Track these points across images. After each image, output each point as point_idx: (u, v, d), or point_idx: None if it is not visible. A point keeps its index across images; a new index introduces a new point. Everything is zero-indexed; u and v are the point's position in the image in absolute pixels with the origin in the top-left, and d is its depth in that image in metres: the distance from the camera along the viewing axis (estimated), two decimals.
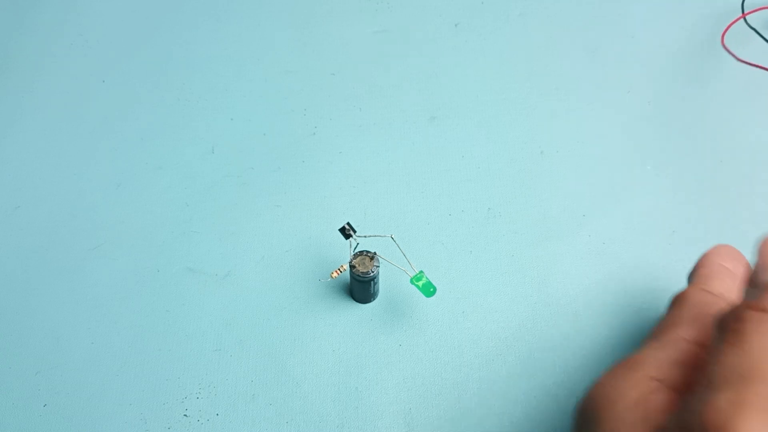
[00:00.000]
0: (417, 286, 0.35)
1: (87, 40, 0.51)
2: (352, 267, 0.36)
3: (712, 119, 0.46)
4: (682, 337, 0.26)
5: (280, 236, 0.41)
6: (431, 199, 0.43)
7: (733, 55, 0.47)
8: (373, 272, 0.36)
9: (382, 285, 0.39)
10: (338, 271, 0.36)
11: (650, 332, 0.28)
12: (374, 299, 0.39)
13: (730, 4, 0.50)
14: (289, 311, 0.38)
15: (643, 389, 0.25)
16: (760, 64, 0.47)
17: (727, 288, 0.29)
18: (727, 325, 0.23)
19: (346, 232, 0.35)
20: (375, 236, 0.37)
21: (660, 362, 0.25)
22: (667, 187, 0.43)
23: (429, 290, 0.35)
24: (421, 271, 0.36)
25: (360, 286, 0.37)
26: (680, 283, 0.39)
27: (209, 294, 0.39)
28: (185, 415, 0.35)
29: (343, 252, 0.39)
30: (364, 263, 0.36)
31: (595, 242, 0.41)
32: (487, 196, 0.43)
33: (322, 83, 0.48)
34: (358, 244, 0.36)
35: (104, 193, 0.43)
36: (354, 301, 0.39)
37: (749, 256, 0.30)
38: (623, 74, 0.48)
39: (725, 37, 0.48)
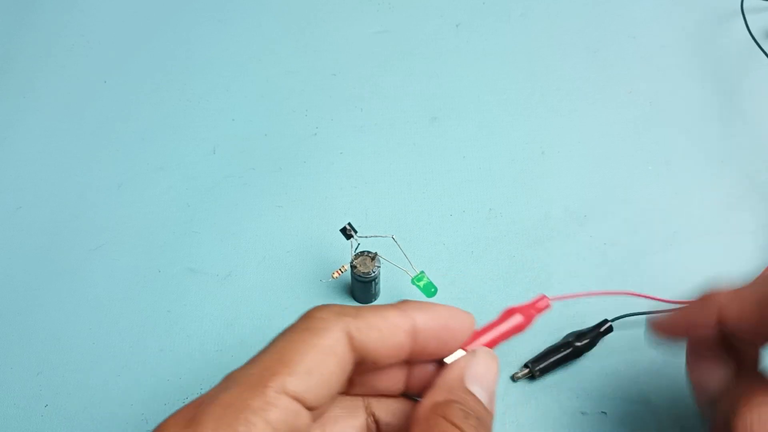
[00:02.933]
0: (418, 287, 0.35)
1: (89, 40, 0.51)
2: (353, 267, 0.36)
3: (712, 119, 0.46)
4: None
5: (281, 236, 0.41)
6: (432, 200, 0.43)
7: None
8: (374, 272, 0.36)
9: (384, 285, 0.39)
10: (339, 272, 0.36)
11: None
12: (375, 299, 0.39)
13: (730, 4, 0.50)
14: (291, 311, 0.38)
15: None
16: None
17: None
18: None
19: (347, 232, 0.35)
20: (376, 236, 0.37)
21: None
22: (668, 187, 0.43)
23: (430, 290, 0.35)
24: (422, 272, 0.36)
25: (361, 287, 0.37)
26: (681, 283, 0.39)
27: (210, 294, 0.39)
28: None
29: (344, 252, 0.39)
30: (365, 263, 0.36)
31: (597, 242, 0.41)
32: (489, 196, 0.43)
33: (324, 84, 0.48)
34: (359, 244, 0.36)
35: (105, 194, 0.43)
36: (355, 302, 0.39)
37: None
38: (624, 74, 0.48)
39: (726, 38, 0.48)
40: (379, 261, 0.36)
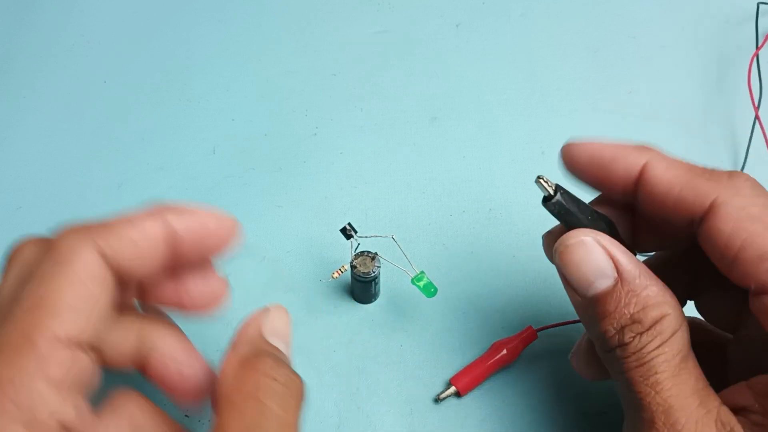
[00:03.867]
0: (418, 287, 0.35)
1: (89, 40, 0.51)
2: (353, 267, 0.36)
3: (712, 119, 0.46)
4: None
5: (281, 237, 0.41)
6: (432, 200, 0.43)
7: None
8: (374, 272, 0.36)
9: (384, 285, 0.39)
10: (339, 272, 0.36)
11: None
12: (375, 299, 0.39)
13: (730, 4, 0.50)
14: (290, 312, 0.38)
15: None
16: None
17: None
18: None
19: (347, 232, 0.35)
20: (376, 236, 0.37)
21: None
22: None
23: (430, 291, 0.35)
24: (422, 272, 0.36)
25: (361, 287, 0.37)
26: None
27: None
28: (186, 416, 0.35)
29: (344, 252, 0.39)
30: (365, 263, 0.36)
31: None
32: (489, 196, 0.43)
33: (324, 84, 0.48)
34: (359, 244, 0.36)
35: (105, 194, 0.43)
36: (355, 302, 0.39)
37: None
38: (624, 74, 0.48)
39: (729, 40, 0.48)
40: (379, 261, 0.36)
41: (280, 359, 0.26)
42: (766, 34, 0.46)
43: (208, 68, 0.49)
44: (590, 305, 0.27)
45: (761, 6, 0.47)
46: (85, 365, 0.22)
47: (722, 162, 0.44)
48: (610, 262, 0.27)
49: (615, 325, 0.26)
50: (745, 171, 0.43)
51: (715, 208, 0.26)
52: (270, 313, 0.29)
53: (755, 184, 0.27)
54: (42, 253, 0.24)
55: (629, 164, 0.29)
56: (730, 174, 0.27)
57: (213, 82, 0.49)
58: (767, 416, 0.25)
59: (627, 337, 0.26)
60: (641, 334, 0.25)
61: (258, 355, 0.26)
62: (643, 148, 0.29)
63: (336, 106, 0.47)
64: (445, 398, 0.35)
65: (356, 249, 0.36)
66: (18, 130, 0.46)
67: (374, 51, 0.50)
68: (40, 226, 0.42)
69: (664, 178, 0.28)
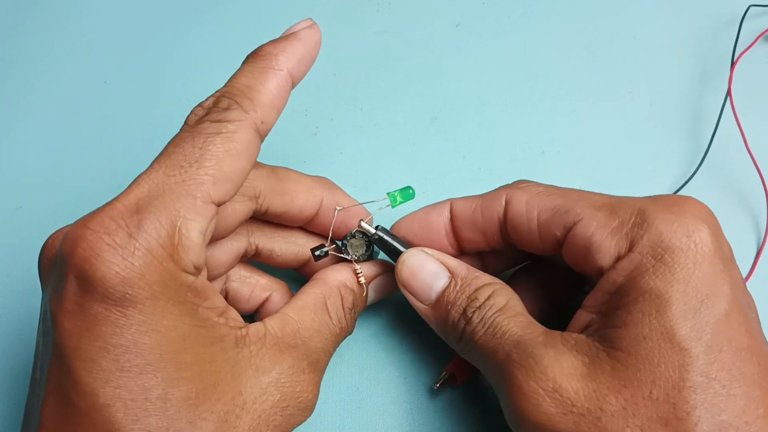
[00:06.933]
0: (397, 200, 0.36)
1: (89, 41, 0.51)
2: (346, 248, 0.36)
3: (712, 119, 0.46)
4: None
5: None
6: (432, 200, 0.42)
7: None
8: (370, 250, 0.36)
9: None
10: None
11: None
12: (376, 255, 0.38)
13: (730, 4, 0.50)
14: None
15: None
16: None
17: None
18: None
19: (316, 252, 0.35)
20: (372, 201, 0.37)
21: None
22: (668, 189, 0.43)
23: (408, 193, 0.37)
24: (388, 193, 0.36)
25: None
26: None
27: None
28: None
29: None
30: (355, 246, 0.36)
31: None
32: None
33: (324, 83, 0.48)
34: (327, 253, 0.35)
35: (105, 195, 0.43)
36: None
37: None
38: (624, 74, 0.48)
39: (726, 38, 0.48)
40: (366, 241, 0.36)
41: (355, 308, 0.34)
42: (758, 34, 0.47)
43: (208, 68, 0.49)
44: (436, 306, 0.32)
45: (752, 8, 0.47)
46: (213, 217, 0.28)
47: (722, 162, 0.44)
48: (441, 265, 0.33)
49: (458, 309, 0.31)
50: (708, 156, 0.43)
51: (508, 202, 0.32)
52: (382, 279, 0.36)
53: (536, 182, 0.33)
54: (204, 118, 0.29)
55: (442, 217, 0.35)
56: (516, 181, 0.34)
57: (213, 82, 0.48)
58: (604, 315, 0.28)
59: (470, 312, 0.31)
60: (479, 307, 0.31)
61: (348, 291, 0.33)
62: (444, 203, 0.35)
63: (336, 106, 0.47)
64: (440, 384, 0.35)
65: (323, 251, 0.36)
66: (18, 130, 0.46)
67: (374, 51, 0.50)
68: (40, 226, 0.42)
69: (464, 209, 0.34)
